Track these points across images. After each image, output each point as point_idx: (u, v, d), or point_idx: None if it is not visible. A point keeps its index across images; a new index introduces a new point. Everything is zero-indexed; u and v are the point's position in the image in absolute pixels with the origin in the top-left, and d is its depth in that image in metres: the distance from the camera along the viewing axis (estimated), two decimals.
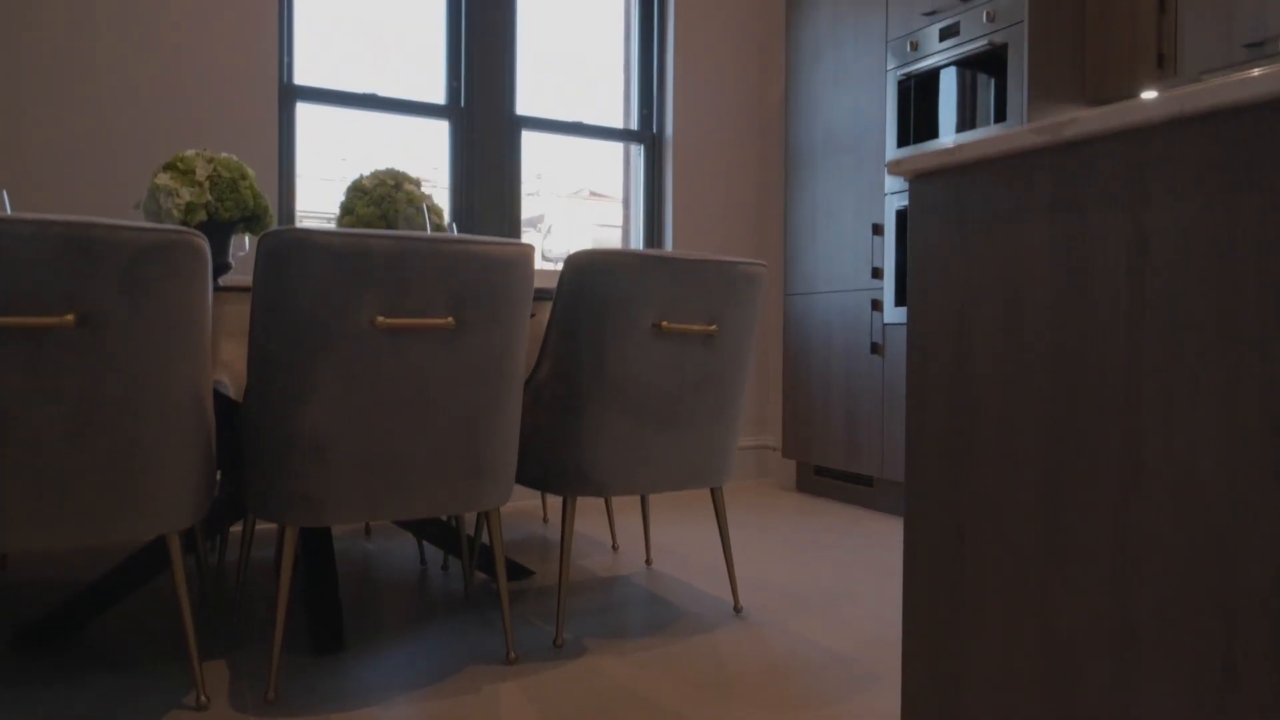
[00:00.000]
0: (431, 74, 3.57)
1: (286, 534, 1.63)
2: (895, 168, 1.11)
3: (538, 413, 1.94)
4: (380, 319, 1.56)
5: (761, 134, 4.10)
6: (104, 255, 1.40)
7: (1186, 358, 0.80)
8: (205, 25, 2.98)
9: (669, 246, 3.90)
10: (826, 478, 3.68)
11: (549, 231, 2.45)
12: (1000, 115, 2.86)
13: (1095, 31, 2.87)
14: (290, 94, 3.21)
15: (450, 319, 1.62)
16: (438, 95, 3.56)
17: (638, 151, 3.98)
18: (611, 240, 4.06)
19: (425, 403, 1.64)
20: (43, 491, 1.41)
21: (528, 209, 3.79)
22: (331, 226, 2.63)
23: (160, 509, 1.52)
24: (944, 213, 1.06)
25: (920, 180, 1.09)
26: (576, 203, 4.17)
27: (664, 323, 1.87)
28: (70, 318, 1.38)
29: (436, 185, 3.65)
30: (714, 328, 1.93)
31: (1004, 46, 2.84)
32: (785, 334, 3.81)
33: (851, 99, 3.47)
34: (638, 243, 3.98)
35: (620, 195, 4.04)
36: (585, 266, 1.83)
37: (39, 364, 1.38)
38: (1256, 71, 0.87)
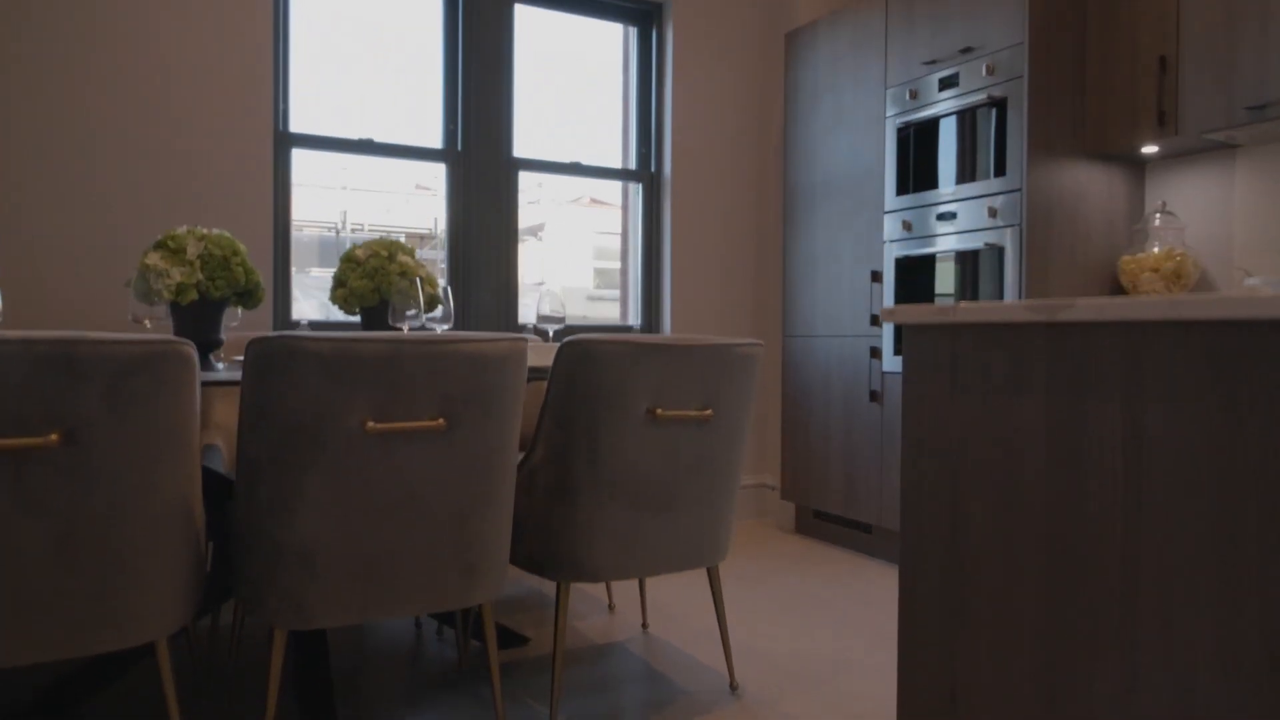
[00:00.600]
0: (428, 115, 3.56)
1: (275, 636, 1.61)
2: (888, 315, 1.09)
3: (531, 497, 1.92)
4: (371, 424, 1.54)
5: (760, 174, 4.08)
6: (89, 371, 1.38)
7: (1183, 570, 0.78)
8: (202, 75, 2.96)
9: (667, 284, 3.88)
10: (825, 521, 3.66)
11: (544, 294, 2.44)
12: (1000, 169, 2.84)
13: (1095, 87, 2.85)
14: (286, 141, 3.19)
15: (441, 420, 1.60)
16: (435, 137, 3.54)
17: (636, 190, 3.96)
18: (611, 248, 4.04)
19: (416, 503, 1.62)
20: (26, 608, 1.39)
21: (527, 218, 3.77)
22: (328, 284, 2.60)
23: (147, 618, 1.50)
24: (938, 369, 1.04)
25: (915, 332, 1.07)
26: (577, 210, 4.15)
27: (658, 410, 1.85)
28: (55, 437, 1.36)
29: (434, 223, 3.64)
30: (709, 412, 1.91)
31: (1003, 100, 2.82)
32: (784, 375, 3.79)
33: (850, 143, 3.44)
34: (636, 279, 3.96)
35: (619, 200, 4.02)
36: (579, 355, 1.81)
37: (22, 482, 1.36)
38: (1258, 283, 0.86)
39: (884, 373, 3.28)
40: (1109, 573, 0.85)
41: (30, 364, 1.34)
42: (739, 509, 4.04)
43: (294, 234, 3.25)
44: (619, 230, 4.03)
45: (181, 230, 2.04)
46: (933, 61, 3.07)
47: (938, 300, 3.05)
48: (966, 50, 2.94)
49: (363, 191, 3.58)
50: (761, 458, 4.09)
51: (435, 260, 3.61)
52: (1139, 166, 3.03)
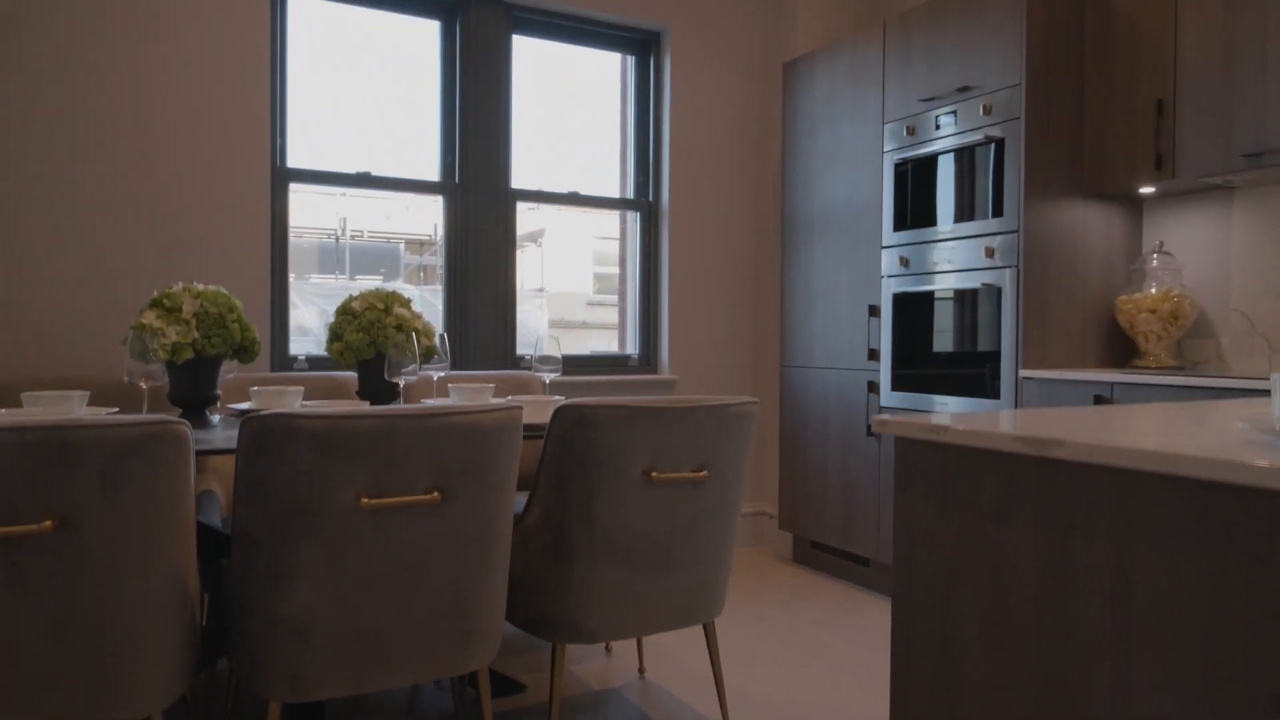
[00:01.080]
0: (426, 146, 3.55)
1: (270, 708, 1.61)
2: (880, 425, 1.09)
3: (527, 556, 1.92)
4: (365, 500, 1.54)
5: (758, 204, 4.08)
6: (83, 456, 1.38)
7: None
8: (200, 112, 2.96)
9: (665, 313, 3.88)
10: (823, 552, 3.66)
11: (541, 339, 2.44)
12: (998, 209, 2.83)
13: (1093, 128, 2.85)
14: (283, 176, 3.19)
15: (436, 495, 1.60)
16: (433, 168, 3.54)
17: (634, 219, 3.95)
18: (610, 253, 4.03)
19: (411, 575, 1.62)
20: (21, 689, 1.39)
21: (527, 224, 3.76)
22: (326, 331, 2.60)
23: (143, 694, 1.50)
24: (930, 483, 1.04)
25: (906, 443, 1.07)
26: (576, 215, 4.12)
27: (654, 473, 1.85)
28: (49, 524, 1.36)
29: (433, 244, 3.64)
30: (704, 474, 1.91)
31: (1001, 140, 2.82)
32: (782, 404, 3.79)
33: (848, 177, 3.44)
34: (634, 308, 3.95)
35: (617, 211, 4.03)
36: (575, 419, 1.81)
37: (16, 568, 1.36)
38: (1246, 427, 0.85)
39: (882, 407, 3.28)
40: (1097, 715, 0.85)
41: (22, 452, 1.34)
42: (736, 536, 4.03)
43: (293, 240, 3.24)
44: (617, 253, 4.03)
45: (177, 287, 2.04)
46: (930, 99, 3.07)
47: (936, 337, 3.05)
48: (964, 89, 2.94)
49: (362, 198, 3.57)
50: (760, 485, 4.09)
51: (432, 294, 3.61)
52: (1136, 204, 3.03)
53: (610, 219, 4.02)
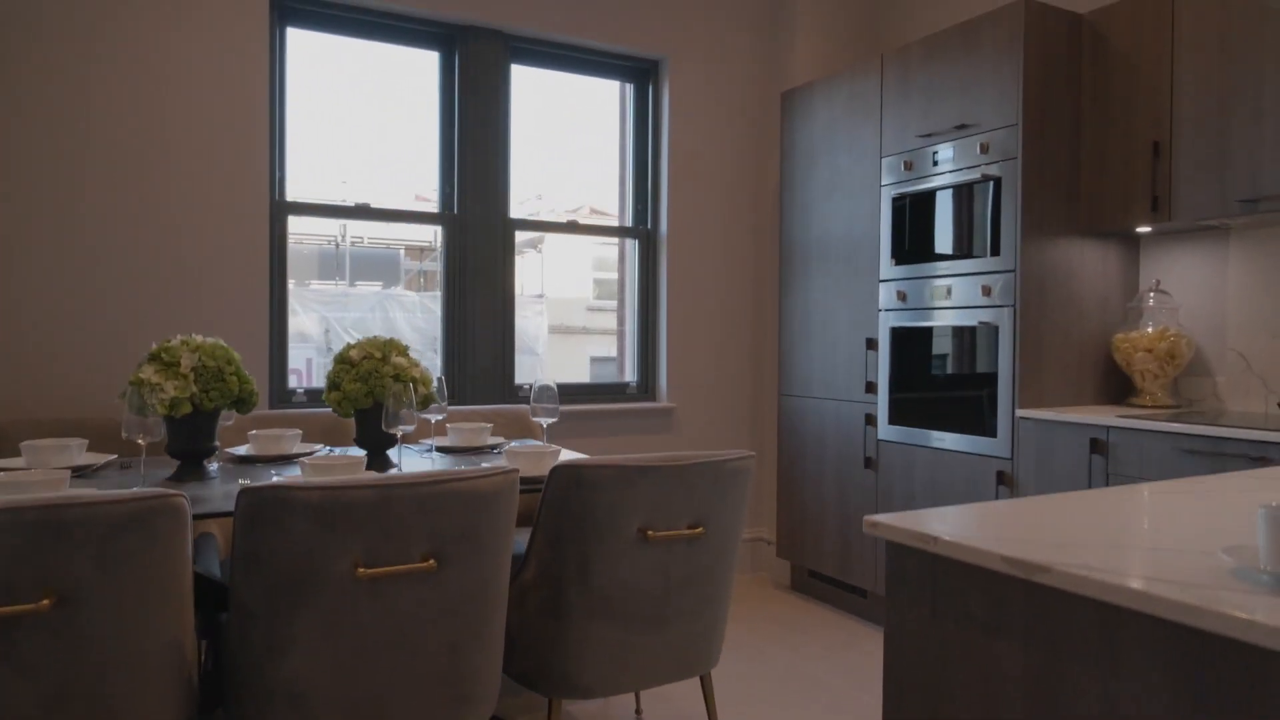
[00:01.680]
0: (425, 176, 3.56)
1: None
2: (871, 528, 1.10)
3: (523, 612, 1.93)
4: (362, 570, 1.55)
5: (756, 232, 4.09)
6: (80, 534, 1.39)
7: None
8: (200, 147, 2.97)
9: (663, 341, 3.89)
10: (820, 581, 3.67)
11: (539, 387, 2.44)
12: (995, 248, 2.84)
13: (1089, 169, 2.85)
14: (282, 209, 3.19)
15: (432, 562, 1.61)
16: (431, 196, 3.54)
17: (632, 246, 3.96)
18: (610, 258, 4.04)
19: (407, 641, 1.63)
20: None
21: (527, 230, 3.76)
22: (327, 376, 2.61)
23: None
24: (921, 589, 1.05)
25: (897, 549, 1.08)
26: (575, 223, 4.12)
27: (650, 532, 1.86)
28: (46, 602, 1.37)
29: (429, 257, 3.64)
30: (700, 530, 1.92)
31: (998, 178, 2.82)
32: (779, 433, 3.80)
33: (846, 209, 3.45)
34: (632, 335, 3.96)
35: (618, 218, 4.03)
36: (572, 481, 1.82)
37: (15, 647, 1.37)
38: (1229, 560, 0.86)
39: (879, 440, 3.28)
40: None
41: (20, 533, 1.35)
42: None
43: (294, 247, 3.25)
44: (617, 265, 4.04)
45: (175, 341, 2.05)
46: (928, 135, 3.07)
47: (933, 372, 3.06)
48: (961, 127, 2.95)
49: (364, 189, 3.57)
50: (758, 511, 4.10)
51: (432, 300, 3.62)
52: (1133, 242, 3.03)
53: (611, 225, 4.01)
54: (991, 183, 2.85)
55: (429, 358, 3.59)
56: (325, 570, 1.54)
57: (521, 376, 3.70)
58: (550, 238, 3.96)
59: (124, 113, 2.87)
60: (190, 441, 2.05)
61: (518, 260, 3.65)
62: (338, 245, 3.61)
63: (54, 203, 2.78)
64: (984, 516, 1.12)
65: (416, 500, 1.59)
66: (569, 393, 3.74)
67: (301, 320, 3.55)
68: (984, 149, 2.87)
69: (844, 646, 3.14)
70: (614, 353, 4.04)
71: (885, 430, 3.25)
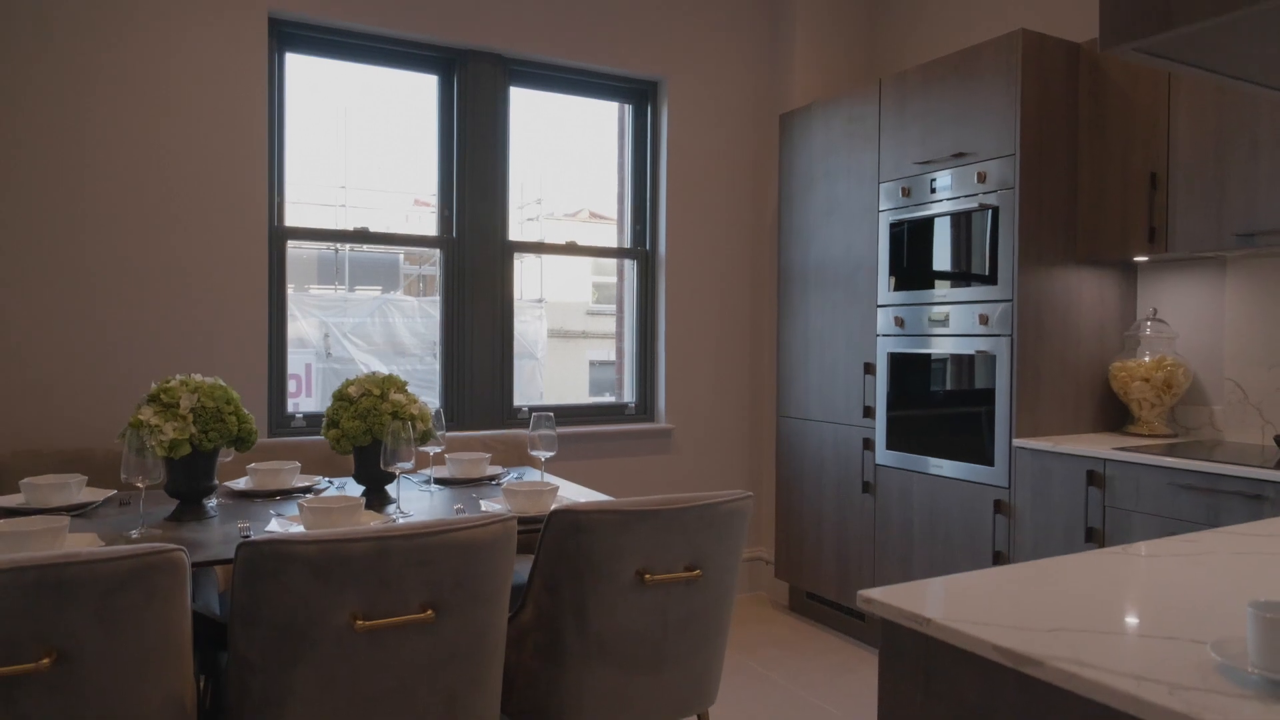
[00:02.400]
0: (425, 199, 3.57)
1: None
2: (865, 604, 1.11)
3: (521, 654, 1.94)
4: (360, 623, 1.56)
5: (754, 253, 4.09)
6: (80, 592, 1.39)
7: None
8: (198, 174, 2.98)
9: (662, 361, 3.89)
10: (819, 603, 3.67)
11: (537, 419, 2.44)
12: (992, 277, 2.85)
13: (1087, 199, 2.86)
14: (281, 235, 3.20)
15: (430, 613, 1.61)
16: (429, 222, 3.55)
17: (630, 267, 3.97)
18: (609, 263, 4.05)
19: (405, 691, 1.64)
20: None
21: (526, 234, 3.77)
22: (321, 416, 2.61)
23: None
24: (914, 667, 1.05)
25: (891, 626, 1.08)
26: (575, 225, 4.13)
27: (647, 575, 1.87)
28: (46, 661, 1.37)
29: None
30: (697, 572, 1.93)
31: (995, 209, 2.83)
32: (778, 454, 3.81)
33: (844, 233, 3.45)
34: (630, 356, 3.96)
35: (616, 218, 4.04)
36: (569, 526, 1.83)
37: (14, 706, 1.38)
38: (1217, 655, 0.87)
39: (877, 465, 3.29)
40: None
41: (21, 591, 1.36)
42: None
43: (293, 251, 3.25)
44: (615, 283, 4.05)
45: (174, 381, 2.05)
46: (925, 162, 3.08)
47: (930, 399, 3.06)
48: (958, 155, 2.95)
49: (362, 209, 3.58)
50: (757, 530, 4.11)
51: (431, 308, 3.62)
52: (1131, 269, 3.04)
53: (610, 229, 4.01)
54: (989, 211, 2.85)
55: (427, 362, 3.59)
56: (323, 622, 1.55)
57: (521, 381, 3.70)
58: (550, 241, 3.96)
59: (123, 141, 2.87)
60: (189, 482, 2.06)
61: (516, 264, 3.64)
62: (337, 250, 3.61)
63: (53, 230, 2.79)
64: (980, 590, 1.12)
65: (414, 551, 1.60)
66: (568, 414, 3.75)
67: (301, 325, 3.55)
68: (981, 178, 2.87)
69: (843, 671, 3.15)
70: (613, 356, 4.04)
71: (883, 455, 3.26)
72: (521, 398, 3.70)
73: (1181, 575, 1.20)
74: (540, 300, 4.14)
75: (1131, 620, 1.02)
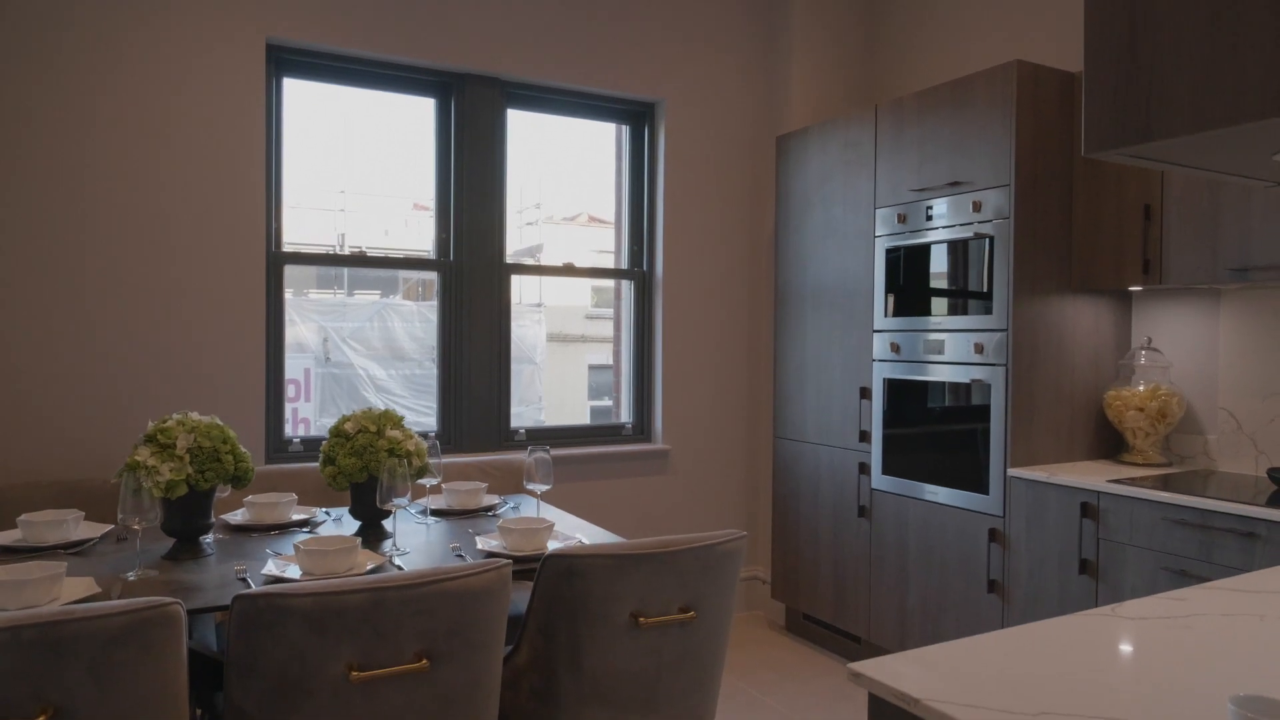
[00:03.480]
0: (422, 221, 3.58)
1: None
2: (855, 678, 1.11)
3: (516, 695, 1.95)
4: (355, 674, 1.57)
5: (751, 274, 4.10)
6: (75, 648, 1.40)
7: None
8: (196, 201, 2.98)
9: (659, 382, 3.90)
10: (815, 625, 3.68)
11: (535, 460, 2.45)
12: (987, 307, 2.86)
13: (1082, 230, 2.87)
14: (278, 260, 3.21)
15: (425, 662, 1.62)
16: (428, 205, 3.55)
17: (628, 288, 3.98)
18: (608, 266, 4.05)
19: None
20: None
21: (525, 239, 3.78)
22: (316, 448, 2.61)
23: None
24: None
25: (879, 702, 1.09)
26: (574, 229, 4.14)
27: (641, 618, 1.88)
28: (43, 719, 1.38)
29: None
30: (692, 614, 1.94)
31: (990, 238, 2.84)
32: (775, 475, 3.82)
33: (840, 257, 3.46)
34: (629, 371, 3.97)
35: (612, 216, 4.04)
36: (564, 571, 1.84)
37: None
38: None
39: (873, 489, 3.30)
40: None
41: (18, 651, 1.36)
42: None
43: (292, 254, 3.26)
44: (613, 311, 4.06)
45: (171, 421, 2.06)
46: (921, 190, 3.09)
47: (926, 425, 3.07)
48: (954, 184, 2.96)
49: (361, 214, 3.59)
50: (754, 549, 4.12)
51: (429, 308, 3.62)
52: (1126, 298, 3.05)
53: (609, 233, 4.02)
54: (985, 240, 2.86)
55: (426, 367, 3.60)
56: (319, 674, 1.56)
57: (520, 386, 3.71)
58: (549, 245, 3.96)
59: (121, 167, 2.88)
60: (185, 521, 2.06)
61: (513, 280, 3.65)
62: (336, 253, 3.62)
63: (51, 256, 2.79)
64: (969, 663, 1.13)
65: (409, 601, 1.61)
66: (565, 436, 3.76)
67: (300, 330, 3.56)
68: (977, 207, 2.88)
69: (838, 697, 3.16)
70: (611, 360, 4.05)
71: (879, 480, 3.27)
72: (520, 403, 3.71)
73: (1170, 646, 1.21)
74: (539, 305, 4.15)
75: (1116, 706, 1.03)
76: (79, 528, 2.22)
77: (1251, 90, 0.72)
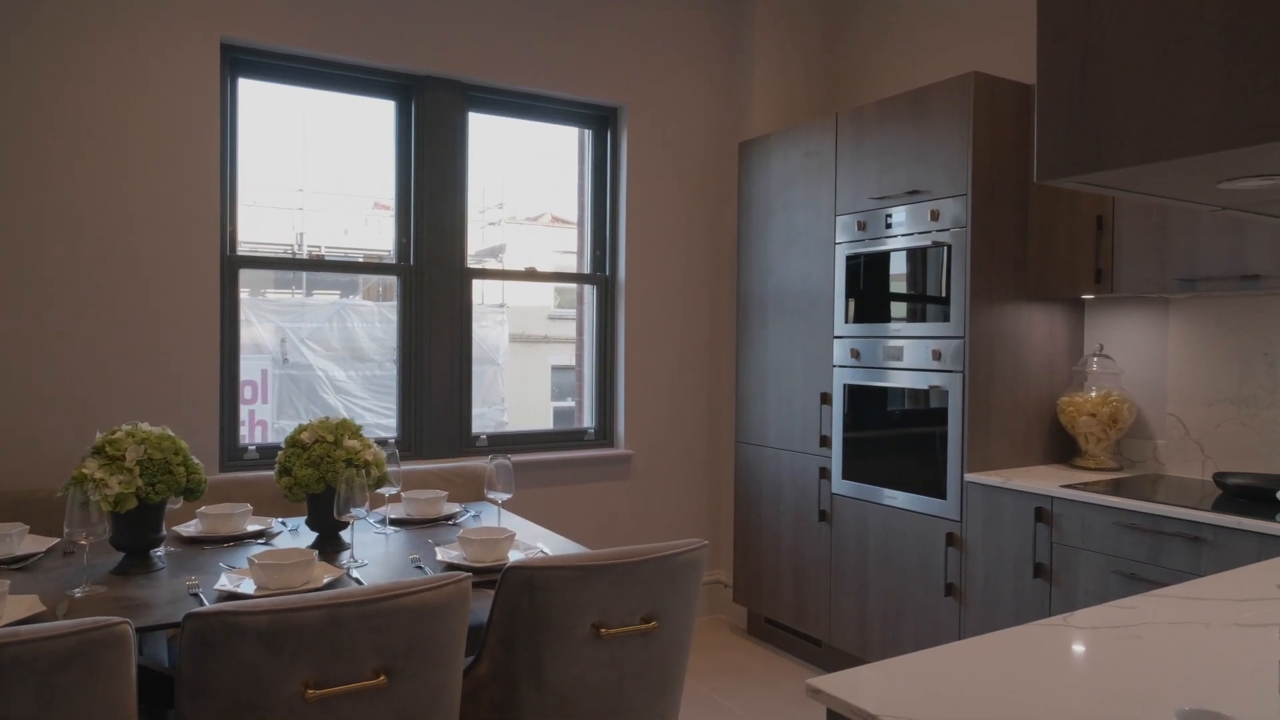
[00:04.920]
0: (382, 224, 3.53)
1: None
2: (814, 694, 1.12)
3: (477, 707, 1.93)
4: (311, 692, 1.54)
5: (713, 280, 4.11)
6: (20, 671, 1.36)
7: None
8: (150, 204, 2.91)
9: (621, 387, 3.90)
10: (776, 628, 3.70)
11: (497, 467, 2.43)
12: (945, 314, 2.89)
13: (1036, 241, 2.92)
14: (233, 264, 3.14)
15: (383, 678, 1.60)
16: (389, 204, 3.51)
17: (590, 292, 3.97)
18: (572, 267, 4.04)
19: None
20: None
21: (488, 239, 3.74)
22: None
23: None
24: None
25: (837, 717, 1.10)
26: (537, 229, 4.11)
27: (603, 629, 1.87)
28: None
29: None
30: (654, 624, 1.93)
31: (948, 247, 2.88)
32: (736, 479, 3.84)
33: (802, 264, 3.49)
34: (591, 377, 3.96)
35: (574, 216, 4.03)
36: (524, 583, 1.82)
37: None
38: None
39: (833, 494, 3.33)
40: None
41: None
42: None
43: (248, 255, 3.19)
44: (575, 318, 4.05)
45: (120, 432, 2.01)
46: (881, 198, 3.12)
47: (886, 430, 3.11)
48: (913, 192, 3.00)
49: (320, 212, 3.53)
50: (715, 553, 4.13)
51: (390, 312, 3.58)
52: (1078, 305, 3.11)
53: (572, 234, 4.00)
54: (943, 249, 2.90)
55: (387, 368, 3.55)
56: (274, 693, 1.53)
57: (482, 387, 3.67)
58: (512, 245, 3.93)
59: (71, 170, 2.80)
60: (135, 535, 2.01)
61: (475, 284, 3.62)
62: (294, 254, 3.55)
63: (4, 266, 2.71)
64: (925, 678, 1.14)
65: (367, 617, 1.58)
66: (527, 441, 3.74)
67: (257, 330, 3.49)
68: (935, 216, 2.92)
69: (799, 701, 3.18)
70: (574, 361, 4.04)
71: (839, 484, 3.30)
72: (482, 405, 3.68)
73: (1120, 656, 1.24)
74: (502, 305, 4.11)
75: (1069, 718, 1.05)
76: (23, 542, 2.15)
77: (1199, 124, 0.74)
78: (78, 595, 1.84)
